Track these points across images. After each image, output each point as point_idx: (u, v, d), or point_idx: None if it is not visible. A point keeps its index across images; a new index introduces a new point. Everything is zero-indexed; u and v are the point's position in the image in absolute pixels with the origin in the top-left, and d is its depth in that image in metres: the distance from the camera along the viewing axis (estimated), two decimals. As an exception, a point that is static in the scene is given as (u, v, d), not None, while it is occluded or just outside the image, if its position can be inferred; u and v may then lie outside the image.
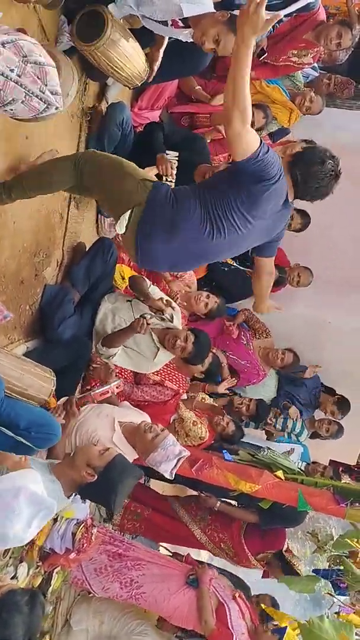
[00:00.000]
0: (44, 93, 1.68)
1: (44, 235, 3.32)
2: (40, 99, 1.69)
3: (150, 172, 3.73)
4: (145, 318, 3.34)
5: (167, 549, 4.57)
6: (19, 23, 2.65)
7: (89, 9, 2.88)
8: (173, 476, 3.07)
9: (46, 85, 1.67)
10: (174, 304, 3.76)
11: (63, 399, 3.14)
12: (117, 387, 3.27)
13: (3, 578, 2.22)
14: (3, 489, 1.86)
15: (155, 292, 3.70)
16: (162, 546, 4.56)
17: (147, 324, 3.32)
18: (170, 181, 3.83)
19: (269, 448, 4.25)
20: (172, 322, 3.69)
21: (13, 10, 2.56)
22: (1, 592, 1.93)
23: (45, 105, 1.71)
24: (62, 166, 2.72)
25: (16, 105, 1.67)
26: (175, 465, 3.04)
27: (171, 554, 4.37)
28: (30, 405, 2.74)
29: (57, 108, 1.76)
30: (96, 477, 2.46)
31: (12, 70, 1.59)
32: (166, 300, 3.51)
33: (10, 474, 1.92)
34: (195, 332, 3.61)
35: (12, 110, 1.69)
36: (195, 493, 4.47)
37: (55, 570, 3.34)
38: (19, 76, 1.61)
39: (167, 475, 3.04)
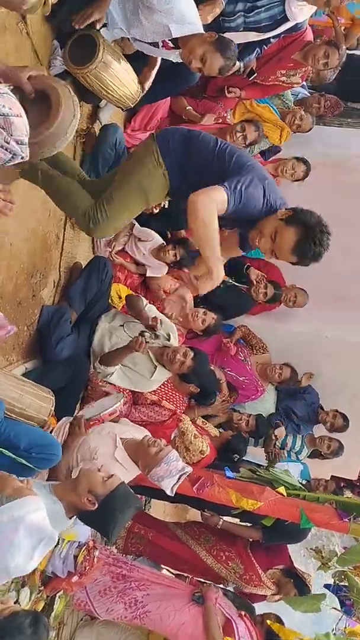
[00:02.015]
0: (8, 144, 1.73)
1: (41, 256, 3.34)
2: (6, 149, 1.73)
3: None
4: (143, 337, 3.34)
5: (169, 571, 4.51)
6: (12, 48, 2.70)
7: (81, 33, 2.93)
8: (174, 493, 3.04)
9: (11, 135, 1.72)
10: (169, 322, 3.76)
11: (64, 419, 3.13)
12: (123, 404, 3.28)
13: (5, 601, 2.18)
14: (1, 522, 1.83)
15: (152, 310, 3.71)
16: (164, 568, 4.50)
17: (146, 342, 3.33)
18: (163, 205, 3.88)
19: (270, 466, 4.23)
20: (169, 340, 3.69)
21: (7, 36, 2.61)
22: (4, 615, 1.91)
23: (11, 155, 1.76)
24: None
25: None
26: (177, 482, 3.01)
27: (175, 575, 4.32)
28: (30, 426, 2.74)
29: (22, 158, 1.80)
30: (96, 505, 2.43)
31: None
32: (160, 320, 3.51)
33: (8, 505, 1.88)
34: (194, 349, 3.62)
35: None
36: (197, 514, 4.42)
37: (58, 595, 3.30)
38: None
39: (168, 492, 3.01)
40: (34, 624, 1.89)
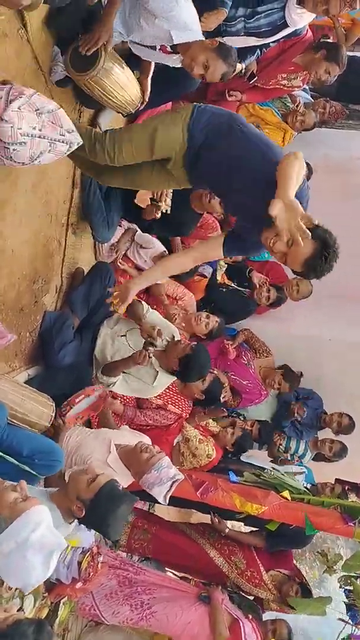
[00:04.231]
0: (64, 136, 1.78)
1: (43, 262, 3.33)
2: (63, 142, 1.77)
3: (145, 196, 3.78)
4: (147, 350, 3.33)
5: (174, 574, 4.50)
6: (13, 54, 2.70)
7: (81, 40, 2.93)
8: (167, 501, 3.00)
9: (62, 127, 1.77)
10: (172, 326, 3.76)
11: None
12: (100, 390, 3.26)
13: (9, 609, 2.18)
14: (8, 551, 1.81)
15: (153, 316, 3.69)
16: (169, 571, 4.49)
17: (149, 357, 3.32)
18: (165, 211, 3.88)
19: (273, 468, 4.22)
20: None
21: (8, 42, 2.61)
22: (7, 623, 1.91)
23: (68, 145, 1.80)
24: None
25: (44, 156, 1.77)
26: (170, 489, 2.97)
27: (179, 577, 4.31)
28: (32, 433, 2.74)
29: (78, 144, 1.84)
30: (84, 511, 2.41)
31: (34, 128, 1.69)
32: (158, 330, 3.50)
33: (8, 531, 1.84)
34: (199, 344, 3.62)
35: (39, 161, 1.79)
36: (201, 518, 4.41)
37: (62, 601, 3.29)
38: (41, 130, 1.69)
39: (160, 500, 2.97)
40: (38, 631, 1.88)
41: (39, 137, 1.73)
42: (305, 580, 4.22)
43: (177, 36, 2.94)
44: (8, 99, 1.69)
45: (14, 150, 1.70)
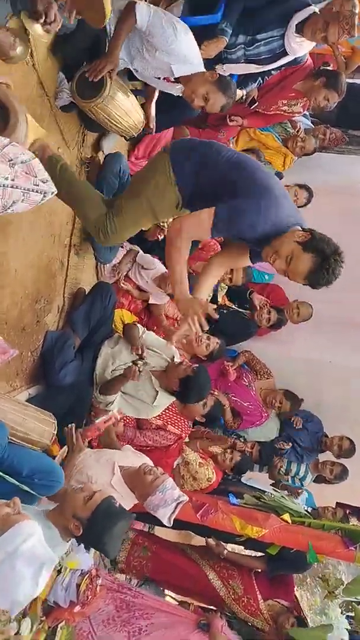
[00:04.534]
0: (38, 185, 1.82)
1: (45, 283, 3.36)
2: (37, 191, 1.81)
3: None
4: (137, 365, 3.35)
5: (173, 598, 4.44)
6: (19, 80, 2.76)
7: (88, 67, 3.00)
8: (171, 523, 2.99)
9: (36, 176, 1.80)
10: (172, 347, 3.77)
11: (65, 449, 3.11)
12: (119, 412, 3.25)
13: (6, 631, 2.15)
14: None
15: (150, 337, 3.72)
16: (168, 595, 4.44)
17: (140, 371, 3.33)
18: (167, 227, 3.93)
19: (275, 490, 4.18)
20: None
21: (14, 68, 2.67)
22: None
23: (42, 194, 1.83)
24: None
25: (17, 205, 1.81)
26: (174, 511, 2.95)
27: (178, 602, 4.25)
28: (33, 452, 2.73)
29: (52, 193, 1.87)
30: (81, 530, 2.39)
31: (6, 179, 1.72)
32: (145, 347, 3.54)
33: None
34: (200, 366, 3.63)
35: (13, 210, 1.82)
36: (201, 541, 4.37)
37: (60, 626, 3.24)
38: (13, 180, 1.73)
39: (165, 522, 2.95)
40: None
41: (12, 187, 1.75)
42: (304, 614, 4.15)
43: (178, 69, 3.05)
44: None
45: None
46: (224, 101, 3.05)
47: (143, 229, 3.90)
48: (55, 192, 2.00)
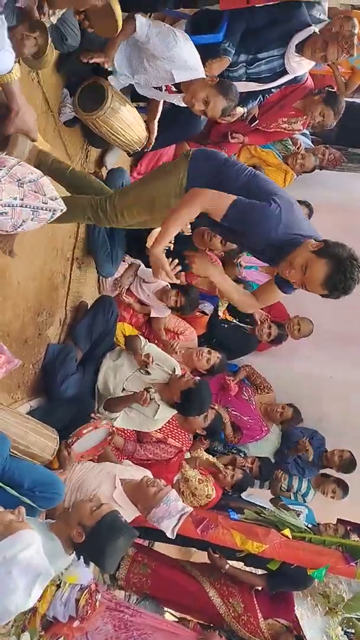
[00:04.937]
0: (46, 204, 1.84)
1: (47, 295, 3.39)
2: (46, 209, 1.83)
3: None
4: (149, 392, 3.36)
5: (173, 615, 4.40)
6: (25, 96, 2.80)
7: (90, 82, 3.06)
8: (174, 535, 2.98)
9: (45, 195, 1.83)
10: (172, 359, 3.79)
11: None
12: (106, 424, 3.24)
13: (6, 641, 2.14)
14: None
15: (152, 349, 3.73)
16: (168, 612, 4.39)
17: (151, 398, 3.34)
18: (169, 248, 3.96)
19: (275, 507, 4.16)
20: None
21: (20, 85, 2.71)
22: None
23: (51, 212, 1.86)
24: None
25: (27, 224, 1.83)
26: (178, 523, 2.95)
27: (177, 620, 4.21)
28: (34, 465, 2.73)
29: (61, 210, 1.90)
30: (84, 537, 2.38)
31: (15, 199, 1.75)
32: (152, 357, 3.56)
33: None
34: (201, 379, 3.63)
35: (23, 229, 1.85)
36: (201, 557, 4.33)
37: (59, 641, 3.21)
38: (22, 199, 1.75)
39: (168, 534, 2.94)
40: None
41: (21, 206, 1.78)
42: (303, 633, 4.11)
43: (179, 75, 3.07)
44: None
45: None
46: (224, 104, 3.06)
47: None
48: (65, 209, 2.02)
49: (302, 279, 2.50)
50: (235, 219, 2.55)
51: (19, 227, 1.84)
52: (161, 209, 2.82)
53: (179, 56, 3.03)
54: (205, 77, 3.12)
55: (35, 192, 1.82)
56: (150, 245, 2.75)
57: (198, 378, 3.60)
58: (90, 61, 2.94)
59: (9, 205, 1.76)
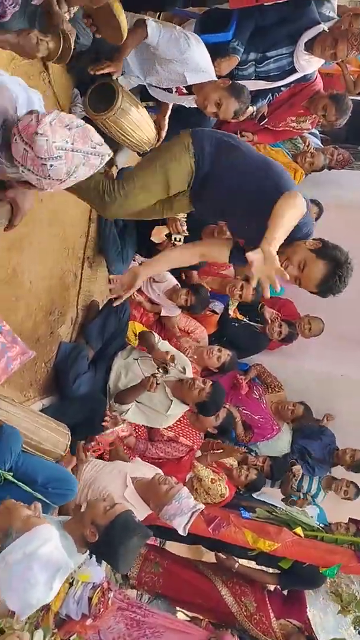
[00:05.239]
0: (95, 148, 1.83)
1: (59, 295, 3.41)
2: (96, 154, 1.83)
3: (160, 232, 3.87)
4: (155, 377, 3.36)
5: (185, 614, 4.40)
6: (36, 96, 2.83)
7: (101, 82, 3.07)
8: (186, 532, 2.99)
9: (92, 140, 1.82)
10: (184, 357, 3.80)
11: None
12: (122, 431, 3.25)
13: (22, 636, 2.15)
14: (14, 561, 1.80)
15: (164, 347, 3.76)
16: (180, 611, 4.39)
17: (157, 383, 3.34)
18: (180, 240, 3.97)
19: (291, 501, 4.16)
20: (184, 373, 3.71)
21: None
22: None
23: (100, 157, 1.85)
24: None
25: (79, 171, 1.81)
26: (189, 520, 2.96)
27: (189, 619, 4.20)
28: (46, 461, 2.75)
29: (109, 155, 1.90)
30: (97, 537, 2.40)
31: (67, 142, 1.74)
32: (171, 355, 3.55)
33: (18, 542, 1.85)
34: (212, 380, 3.64)
35: (75, 177, 1.84)
36: (212, 556, 4.33)
37: (72, 638, 3.22)
38: (73, 144, 1.75)
39: (180, 531, 2.96)
40: (49, 659, 1.87)
41: (72, 150, 1.77)
42: (315, 635, 4.10)
43: (191, 78, 3.09)
44: (39, 117, 1.75)
45: (51, 166, 1.74)
46: (236, 106, 3.07)
47: (156, 241, 3.96)
48: (112, 154, 2.02)
49: (298, 276, 2.53)
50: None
51: (72, 174, 1.81)
52: (177, 180, 2.77)
53: (192, 59, 3.05)
54: (216, 79, 3.13)
55: (83, 136, 1.81)
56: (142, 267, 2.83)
57: (210, 382, 3.60)
58: (100, 73, 2.96)
59: (62, 149, 1.75)
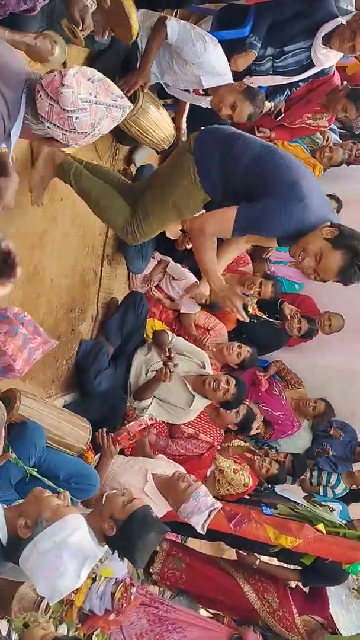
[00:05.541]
0: (116, 101, 1.84)
1: (79, 292, 3.44)
2: (117, 107, 1.84)
3: (176, 228, 3.88)
4: (167, 366, 3.38)
5: (207, 610, 4.40)
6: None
7: (121, 82, 3.09)
8: (205, 530, 2.99)
9: (113, 93, 1.83)
10: (202, 352, 3.81)
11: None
12: (150, 419, 3.26)
13: (47, 627, 2.18)
14: (44, 549, 1.83)
15: (180, 342, 3.77)
16: (202, 608, 4.40)
17: (170, 371, 3.36)
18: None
19: (312, 502, 4.14)
20: (204, 369, 3.72)
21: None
22: None
23: (122, 110, 1.87)
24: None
25: (103, 123, 1.83)
26: (207, 518, 2.96)
27: (212, 616, 4.21)
28: (69, 456, 2.77)
29: (129, 108, 1.92)
30: (115, 531, 2.41)
31: (90, 94, 1.76)
32: (173, 352, 3.58)
33: (48, 530, 1.87)
34: (234, 376, 3.64)
35: (99, 130, 1.86)
36: (234, 553, 4.34)
37: (95, 634, 3.25)
38: (96, 96, 1.77)
39: (198, 529, 2.96)
40: (75, 648, 1.90)
41: (96, 103, 1.79)
42: (338, 631, 4.08)
43: (207, 81, 3.12)
44: (62, 73, 1.77)
45: (76, 118, 1.76)
46: (251, 110, 3.09)
47: (171, 237, 3.99)
48: (132, 107, 2.05)
49: (314, 267, 2.48)
50: (246, 228, 2.56)
51: (96, 127, 1.82)
52: (189, 210, 2.85)
53: (208, 62, 3.07)
54: (233, 82, 3.14)
55: (105, 89, 1.82)
56: (212, 287, 2.86)
57: (234, 382, 3.60)
58: (133, 90, 3.03)
59: (87, 101, 1.76)
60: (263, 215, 2.48)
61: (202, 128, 2.82)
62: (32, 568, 1.83)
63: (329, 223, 2.49)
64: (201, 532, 3.02)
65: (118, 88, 1.87)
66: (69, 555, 1.82)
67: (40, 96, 1.76)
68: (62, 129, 1.80)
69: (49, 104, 1.76)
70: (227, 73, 3.16)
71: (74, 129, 1.79)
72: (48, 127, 1.81)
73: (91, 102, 1.78)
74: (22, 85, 1.80)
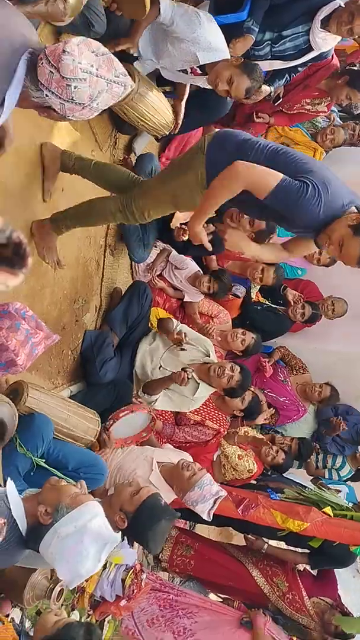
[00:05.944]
0: (118, 77, 1.83)
1: (82, 283, 3.44)
2: (119, 83, 1.84)
3: (184, 216, 3.87)
4: (186, 372, 3.39)
5: (217, 595, 4.45)
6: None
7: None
8: (211, 517, 3.02)
9: (116, 69, 1.83)
10: (206, 339, 3.82)
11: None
12: (144, 409, 3.29)
13: (59, 613, 2.22)
14: (66, 534, 1.87)
15: (184, 329, 3.78)
16: (212, 593, 4.45)
17: (188, 378, 3.38)
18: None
19: (319, 484, 4.17)
20: (209, 356, 3.73)
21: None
22: (59, 626, 1.97)
23: (123, 87, 1.86)
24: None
25: (102, 97, 1.81)
26: (213, 506, 2.98)
27: (221, 600, 4.25)
28: (76, 446, 2.80)
29: (131, 86, 1.91)
30: (127, 523, 2.45)
31: (92, 66, 1.76)
32: (185, 333, 3.64)
33: (69, 516, 1.91)
34: (238, 363, 3.66)
35: (97, 104, 1.84)
36: (242, 538, 4.37)
37: (107, 619, 3.29)
38: (98, 70, 1.76)
39: (204, 517, 2.98)
40: (88, 633, 1.94)
41: (97, 76, 1.78)
42: (348, 610, 4.12)
43: (203, 57, 3.07)
44: (66, 41, 1.76)
45: (75, 87, 1.75)
46: (248, 84, 3.02)
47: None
48: (134, 86, 2.00)
49: (338, 254, 2.49)
50: (280, 199, 2.46)
51: (94, 100, 1.81)
52: (186, 204, 2.84)
53: (203, 38, 3.02)
54: (229, 57, 3.10)
55: (108, 64, 1.81)
56: (189, 223, 2.74)
57: (239, 368, 3.61)
58: (117, 49, 2.95)
59: (87, 72, 1.75)
60: (302, 197, 2.42)
61: (216, 130, 2.81)
62: (54, 552, 1.88)
63: (355, 209, 2.46)
64: (207, 519, 3.05)
65: (122, 65, 1.86)
66: (89, 539, 1.87)
67: (42, 63, 1.75)
68: (60, 97, 1.78)
69: (50, 71, 1.74)
70: (224, 49, 3.10)
71: (72, 98, 1.77)
72: (47, 95, 1.79)
73: (92, 74, 1.76)
74: (19, 52, 1.77)
